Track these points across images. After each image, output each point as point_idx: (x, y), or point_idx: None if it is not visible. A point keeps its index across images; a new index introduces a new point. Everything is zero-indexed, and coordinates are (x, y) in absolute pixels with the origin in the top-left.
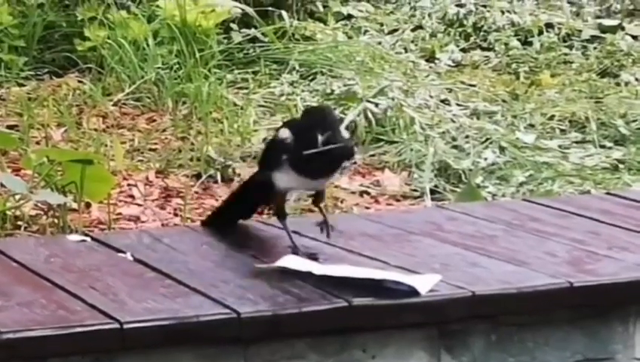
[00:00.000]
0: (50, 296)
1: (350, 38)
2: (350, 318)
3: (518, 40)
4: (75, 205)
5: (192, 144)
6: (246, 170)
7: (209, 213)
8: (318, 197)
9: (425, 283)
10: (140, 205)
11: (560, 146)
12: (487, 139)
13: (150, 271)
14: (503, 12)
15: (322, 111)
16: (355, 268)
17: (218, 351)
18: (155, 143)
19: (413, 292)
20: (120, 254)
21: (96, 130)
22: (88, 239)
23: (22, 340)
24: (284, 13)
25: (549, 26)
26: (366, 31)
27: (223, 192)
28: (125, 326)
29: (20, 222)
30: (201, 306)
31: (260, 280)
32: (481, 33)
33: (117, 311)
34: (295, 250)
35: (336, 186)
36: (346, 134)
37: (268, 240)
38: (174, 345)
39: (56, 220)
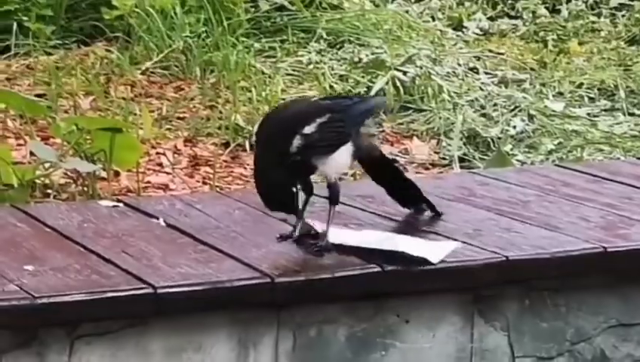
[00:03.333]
0: (84, 261)
1: (377, 6)
2: (384, 283)
3: (546, 8)
4: (104, 173)
5: (221, 112)
6: None
7: None
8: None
9: (438, 252)
10: (168, 173)
11: (589, 114)
12: (516, 107)
13: (183, 237)
14: None
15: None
16: (372, 236)
17: (251, 316)
18: (184, 112)
19: (425, 261)
20: (152, 220)
21: (124, 98)
22: (121, 204)
23: (56, 305)
24: None
25: None
26: None
27: (251, 160)
28: (159, 290)
29: (49, 191)
30: (234, 271)
31: (293, 244)
32: (509, 1)
33: (151, 276)
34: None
35: None
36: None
37: None
38: (208, 309)
39: (85, 188)
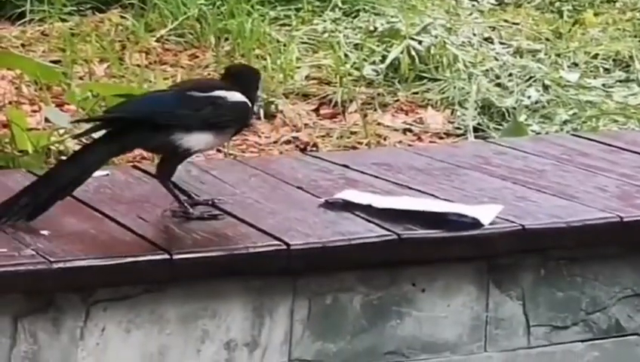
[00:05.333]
0: (100, 226)
1: None
2: (399, 251)
3: None
4: None
5: None
6: (288, 107)
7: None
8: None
9: (487, 214)
10: None
11: (604, 85)
12: (531, 77)
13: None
14: None
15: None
16: (417, 201)
17: (267, 283)
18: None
19: (476, 223)
20: None
21: (138, 65)
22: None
23: (72, 270)
24: None
25: None
26: None
27: (265, 129)
28: (175, 256)
29: (63, 157)
30: (250, 238)
31: (309, 212)
32: None
33: (166, 242)
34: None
35: (379, 123)
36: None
37: (314, 172)
38: (223, 276)
39: None
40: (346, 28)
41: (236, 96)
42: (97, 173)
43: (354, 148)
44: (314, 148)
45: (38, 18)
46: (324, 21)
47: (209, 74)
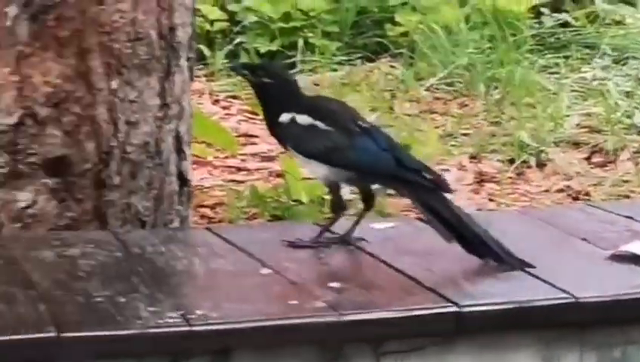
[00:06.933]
0: (387, 278)
1: None
2: None
3: None
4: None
5: (505, 129)
6: (559, 155)
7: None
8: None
9: None
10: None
11: None
12: None
13: None
14: None
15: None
16: None
17: (555, 335)
18: (468, 128)
19: None
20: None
21: (409, 115)
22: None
23: (360, 322)
24: None
25: None
26: None
27: (536, 178)
28: (463, 309)
29: None
30: (536, 290)
31: (595, 264)
32: None
33: (454, 295)
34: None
35: None
36: None
37: (598, 224)
38: (511, 328)
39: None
40: (615, 75)
41: None
42: (383, 226)
43: (627, 196)
44: (586, 197)
45: (309, 68)
46: (594, 69)
47: (478, 123)
